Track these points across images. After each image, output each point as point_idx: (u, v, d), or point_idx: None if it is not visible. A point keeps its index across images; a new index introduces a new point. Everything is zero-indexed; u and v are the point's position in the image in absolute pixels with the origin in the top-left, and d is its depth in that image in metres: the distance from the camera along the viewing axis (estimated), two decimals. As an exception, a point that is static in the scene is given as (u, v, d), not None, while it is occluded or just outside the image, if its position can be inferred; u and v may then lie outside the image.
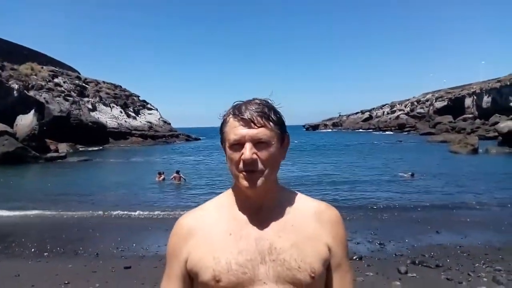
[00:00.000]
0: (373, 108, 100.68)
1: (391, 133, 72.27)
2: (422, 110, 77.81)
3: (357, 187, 14.56)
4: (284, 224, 1.12)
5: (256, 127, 1.07)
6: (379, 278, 5.32)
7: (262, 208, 1.13)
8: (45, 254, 6.96)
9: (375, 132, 78.38)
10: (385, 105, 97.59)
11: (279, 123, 1.13)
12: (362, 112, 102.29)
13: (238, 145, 1.08)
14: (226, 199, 1.19)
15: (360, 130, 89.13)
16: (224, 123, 1.14)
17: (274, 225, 1.11)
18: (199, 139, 63.27)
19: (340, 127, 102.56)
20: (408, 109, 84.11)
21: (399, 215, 9.99)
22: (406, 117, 79.77)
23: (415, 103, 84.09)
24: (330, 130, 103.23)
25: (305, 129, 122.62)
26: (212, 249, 1.08)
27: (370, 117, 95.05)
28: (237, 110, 1.10)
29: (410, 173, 17.54)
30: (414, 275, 5.48)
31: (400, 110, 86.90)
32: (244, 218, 1.13)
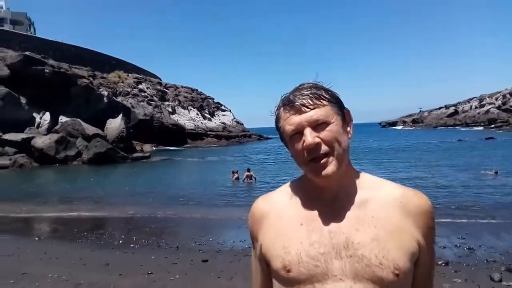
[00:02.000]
0: (459, 102, 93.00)
1: (481, 128, 66.18)
2: (517, 103, 69.90)
3: (440, 187, 13.51)
4: (363, 215, 1.02)
5: (309, 109, 1.00)
6: (468, 285, 4.86)
7: (337, 197, 1.05)
8: (131, 245, 7.50)
9: (462, 129, 72.37)
10: (472, 98, 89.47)
11: (334, 99, 1.04)
12: (446, 106, 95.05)
13: (298, 134, 1.01)
14: (296, 188, 1.13)
15: (443, 127, 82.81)
16: (277, 118, 1.08)
17: (351, 216, 1.02)
18: (270, 138, 63.92)
19: (421, 124, 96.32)
20: (500, 102, 76.09)
21: (490, 217, 9.05)
22: (497, 111, 72.33)
23: (508, 95, 75.73)
24: (409, 128, 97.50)
25: (381, 126, 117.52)
26: (281, 237, 1.04)
27: (456, 112, 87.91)
28: (286, 101, 1.05)
29: (494, 171, 15.97)
30: (510, 284, 4.90)
31: (490, 103, 79.00)
32: (316, 208, 1.05)
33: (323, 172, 1.00)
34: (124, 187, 16.56)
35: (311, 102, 1.01)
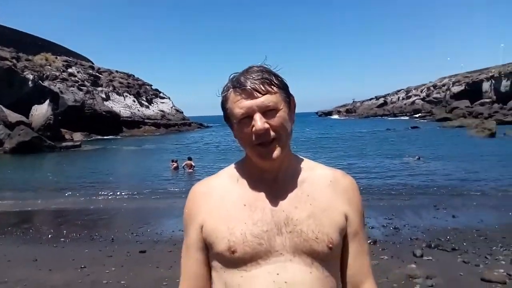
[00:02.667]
0: (388, 94, 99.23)
1: (407, 118, 71.26)
2: (438, 95, 76.28)
3: (368, 173, 14.41)
4: (300, 194, 1.09)
5: (260, 95, 1.01)
6: (394, 262, 5.26)
7: (277, 179, 1.10)
8: (61, 239, 7.08)
9: (390, 118, 77.39)
10: (400, 90, 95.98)
11: (283, 86, 1.07)
12: (377, 98, 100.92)
13: (247, 118, 1.03)
14: (238, 170, 1.15)
15: (373, 117, 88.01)
16: (225, 99, 1.08)
17: (290, 196, 1.08)
18: (210, 126, 63.38)
19: (353, 114, 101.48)
20: (424, 94, 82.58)
21: (413, 199, 9.86)
22: (422, 102, 78.43)
23: (431, 88, 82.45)
24: (343, 117, 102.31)
25: (317, 116, 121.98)
26: (226, 219, 1.06)
27: (385, 103, 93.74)
28: (236, 82, 1.04)
29: (417, 157, 17.48)
30: (430, 258, 5.40)
31: (415, 95, 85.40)
32: (259, 189, 1.09)
33: (269, 156, 1.04)
34: (52, 178, 15.50)
35: (263, 88, 1.01)
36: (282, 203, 1.06)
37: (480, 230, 6.78)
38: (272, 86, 1.03)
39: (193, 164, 16.58)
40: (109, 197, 11.22)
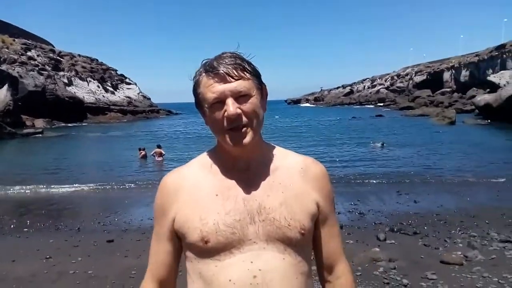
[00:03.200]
0: (354, 83, 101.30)
1: (372, 107, 73.10)
2: (401, 84, 78.63)
3: (334, 160, 14.77)
4: (272, 182, 1.09)
5: (233, 80, 1.01)
6: (359, 246, 5.46)
7: (249, 167, 1.10)
8: (25, 229, 6.84)
9: (356, 106, 79.15)
10: (366, 79, 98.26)
11: (255, 73, 1.07)
12: (343, 86, 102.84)
13: (219, 103, 1.02)
14: (209, 159, 1.15)
15: (340, 105, 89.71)
16: (197, 84, 1.07)
17: (262, 184, 1.08)
18: (179, 113, 62.42)
19: (321, 102, 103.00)
20: (388, 83, 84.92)
21: (377, 186, 10.22)
22: (386, 91, 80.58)
23: (395, 77, 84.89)
24: (311, 105, 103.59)
25: (286, 104, 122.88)
26: (198, 210, 1.05)
27: (351, 92, 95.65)
28: (209, 67, 1.04)
29: (380, 143, 18.09)
30: (393, 242, 5.65)
31: (380, 84, 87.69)
32: (230, 177, 1.09)
33: (240, 142, 1.03)
34: (13, 166, 14.82)
35: (235, 73, 1.01)
36: (254, 192, 1.07)
37: (440, 215, 7.14)
38: (245, 72, 1.03)
39: (163, 152, 16.25)
40: (74, 186, 10.88)
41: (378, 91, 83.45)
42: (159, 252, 1.14)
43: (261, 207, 1.05)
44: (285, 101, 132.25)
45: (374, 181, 10.75)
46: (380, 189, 9.85)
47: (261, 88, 1.09)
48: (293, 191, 1.09)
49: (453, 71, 65.75)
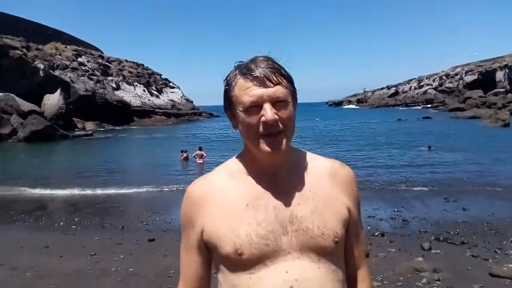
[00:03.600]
0: (400, 83, 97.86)
1: (419, 108, 70.35)
2: (451, 85, 74.93)
3: (378, 163, 14.32)
4: (301, 189, 1.06)
5: (272, 85, 0.99)
6: (401, 254, 5.24)
7: (277, 174, 1.06)
8: (72, 227, 7.21)
9: (402, 108, 76.52)
10: (412, 79, 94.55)
11: (291, 80, 1.05)
12: (388, 87, 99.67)
13: (255, 107, 0.99)
14: (237, 166, 1.11)
15: (385, 107, 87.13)
16: (230, 86, 1.04)
17: (291, 192, 1.05)
18: (220, 116, 63.40)
19: (365, 104, 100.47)
20: (436, 83, 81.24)
21: (423, 192, 9.78)
22: (434, 92, 77.20)
23: (444, 77, 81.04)
24: (354, 106, 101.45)
25: (328, 106, 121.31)
26: (229, 220, 1.02)
27: (397, 93, 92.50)
28: (246, 69, 1.01)
29: (427, 146, 17.28)
30: (438, 251, 5.37)
31: (427, 84, 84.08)
32: (259, 186, 1.06)
33: (276, 148, 1.00)
34: (65, 166, 15.74)
35: (275, 78, 0.99)
36: (284, 201, 1.04)
37: (491, 224, 6.70)
38: (283, 78, 1.01)
39: (204, 154, 16.54)
40: (120, 186, 11.34)
41: (425, 92, 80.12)
42: (190, 263, 1.12)
43: (292, 216, 1.02)
44: (326, 103, 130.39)
45: (420, 187, 10.30)
46: (426, 195, 9.43)
47: (295, 95, 1.06)
48: (323, 197, 1.06)
49: (507, 70, 61.76)
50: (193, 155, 16.70)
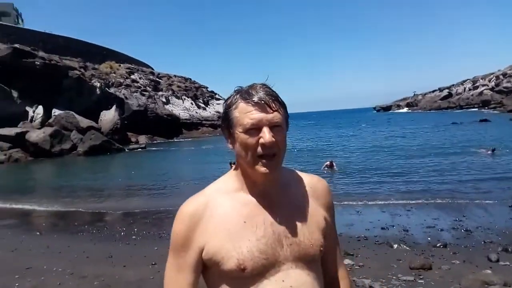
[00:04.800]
0: (453, 85, 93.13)
1: (475, 110, 66.52)
2: (509, 84, 70.09)
3: (436, 170, 13.66)
4: (291, 205, 1.17)
5: (271, 111, 1.08)
6: (466, 267, 4.97)
7: (268, 192, 1.15)
8: (133, 237, 7.55)
9: (456, 111, 72.71)
10: (466, 80, 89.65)
11: (285, 106, 1.15)
12: (440, 89, 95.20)
13: (255, 129, 1.08)
14: (229, 184, 1.18)
15: (437, 110, 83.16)
16: (230, 108, 1.13)
17: (283, 208, 1.15)
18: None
19: (415, 107, 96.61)
20: (493, 83, 76.34)
21: (486, 198, 9.19)
22: (491, 92, 72.59)
23: (501, 76, 75.99)
24: (405, 110, 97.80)
25: (375, 111, 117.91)
26: (230, 238, 1.08)
27: (450, 95, 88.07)
28: (247, 95, 1.10)
29: (491, 149, 16.18)
30: (507, 263, 5.03)
31: (483, 85, 79.27)
32: (254, 203, 1.14)
33: (272, 169, 1.10)
34: (121, 179, 16.56)
35: (273, 105, 1.09)
36: (278, 216, 1.13)
37: None
38: (281, 106, 1.11)
39: None
40: (174, 197, 11.74)
41: (481, 93, 75.59)
42: (180, 283, 1.11)
43: (286, 231, 1.12)
44: (374, 108, 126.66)
45: (482, 194, 9.71)
46: (489, 203, 8.86)
47: (287, 121, 1.17)
48: (308, 211, 1.18)
49: None
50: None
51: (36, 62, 33.69)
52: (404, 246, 6.19)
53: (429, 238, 6.58)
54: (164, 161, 23.69)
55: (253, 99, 1.08)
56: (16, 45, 33.57)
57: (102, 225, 8.77)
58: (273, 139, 1.07)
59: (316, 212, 1.19)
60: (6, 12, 51.12)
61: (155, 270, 5.41)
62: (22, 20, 54.59)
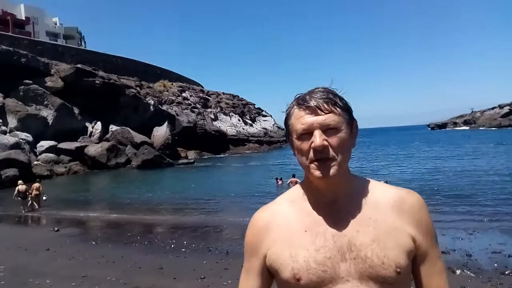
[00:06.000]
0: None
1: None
2: None
3: (502, 193, 12.67)
4: (361, 217, 1.07)
5: (323, 113, 1.04)
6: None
7: (336, 201, 1.09)
8: (182, 250, 7.63)
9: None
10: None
11: (346, 108, 1.08)
12: (501, 106, 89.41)
13: (307, 134, 1.05)
14: (298, 194, 1.16)
15: (497, 128, 78.00)
16: (288, 116, 1.11)
17: (351, 219, 1.06)
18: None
19: (473, 125, 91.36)
20: (562, 99, 70.45)
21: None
22: (559, 109, 67.02)
23: None
24: (460, 128, 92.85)
25: (430, 129, 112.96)
26: (289, 246, 1.07)
27: (511, 112, 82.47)
28: (301, 100, 1.08)
29: None
30: None
31: (550, 101, 73.37)
32: (318, 212, 1.09)
33: (326, 173, 1.03)
34: (171, 192, 16.99)
35: (326, 107, 1.04)
36: (343, 227, 1.05)
37: None
38: (336, 107, 1.05)
39: (298, 181, 16.55)
40: (222, 211, 11.82)
41: (547, 110, 70.00)
42: (248, 286, 1.15)
43: (351, 243, 1.03)
44: (428, 125, 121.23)
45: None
46: None
47: (351, 123, 1.09)
48: (385, 226, 1.05)
49: None
50: (288, 182, 16.88)
51: (96, 81, 36.03)
52: (468, 272, 5.72)
53: (495, 265, 6.04)
54: (212, 176, 24.08)
55: (305, 103, 1.06)
56: (79, 65, 36.17)
57: (153, 237, 8.97)
58: (325, 142, 1.02)
59: (397, 229, 1.05)
60: (71, 35, 55.46)
61: (204, 284, 5.40)
62: (85, 43, 58.79)
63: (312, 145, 1.03)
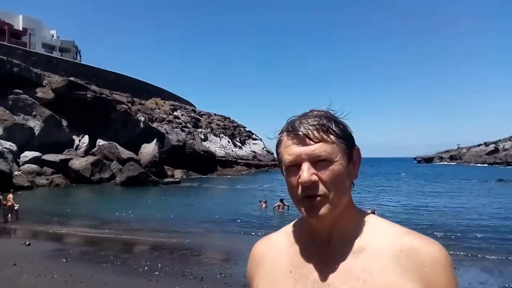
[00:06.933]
0: (500, 140, 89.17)
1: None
2: None
3: (495, 231, 12.65)
4: (353, 266, 0.89)
5: (312, 143, 0.89)
6: None
7: (330, 243, 0.94)
8: (155, 273, 7.33)
9: (502, 167, 68.92)
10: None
11: (343, 135, 0.92)
12: (486, 144, 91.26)
13: (295, 166, 0.90)
14: (295, 228, 1.04)
15: (481, 164, 79.27)
16: (278, 143, 0.97)
17: (340, 265, 0.90)
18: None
19: (458, 160, 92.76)
20: (545, 141, 72.28)
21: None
22: (543, 150, 68.56)
23: (555, 134, 71.95)
24: (446, 163, 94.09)
25: (416, 162, 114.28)
26: (273, 285, 0.97)
27: (496, 150, 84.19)
28: (290, 126, 0.94)
29: None
30: None
31: (534, 142, 75.19)
32: (307, 253, 0.96)
33: (314, 213, 0.89)
34: (153, 212, 16.61)
35: (316, 135, 0.90)
36: (327, 275, 0.90)
37: None
38: (329, 134, 0.90)
39: (285, 204, 16.38)
40: (202, 233, 11.53)
41: (531, 150, 71.55)
42: None
43: None
44: (415, 158, 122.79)
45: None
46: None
47: (350, 152, 0.93)
48: (379, 282, 0.84)
49: None
50: (274, 206, 16.74)
51: (87, 95, 35.81)
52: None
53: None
54: (197, 197, 23.72)
55: (294, 131, 0.92)
56: (71, 78, 36.00)
57: (128, 257, 8.63)
58: (313, 177, 0.87)
59: (394, 286, 0.83)
60: (67, 48, 55.66)
61: (173, 311, 5.14)
62: (80, 56, 58.92)
63: (299, 180, 0.89)
